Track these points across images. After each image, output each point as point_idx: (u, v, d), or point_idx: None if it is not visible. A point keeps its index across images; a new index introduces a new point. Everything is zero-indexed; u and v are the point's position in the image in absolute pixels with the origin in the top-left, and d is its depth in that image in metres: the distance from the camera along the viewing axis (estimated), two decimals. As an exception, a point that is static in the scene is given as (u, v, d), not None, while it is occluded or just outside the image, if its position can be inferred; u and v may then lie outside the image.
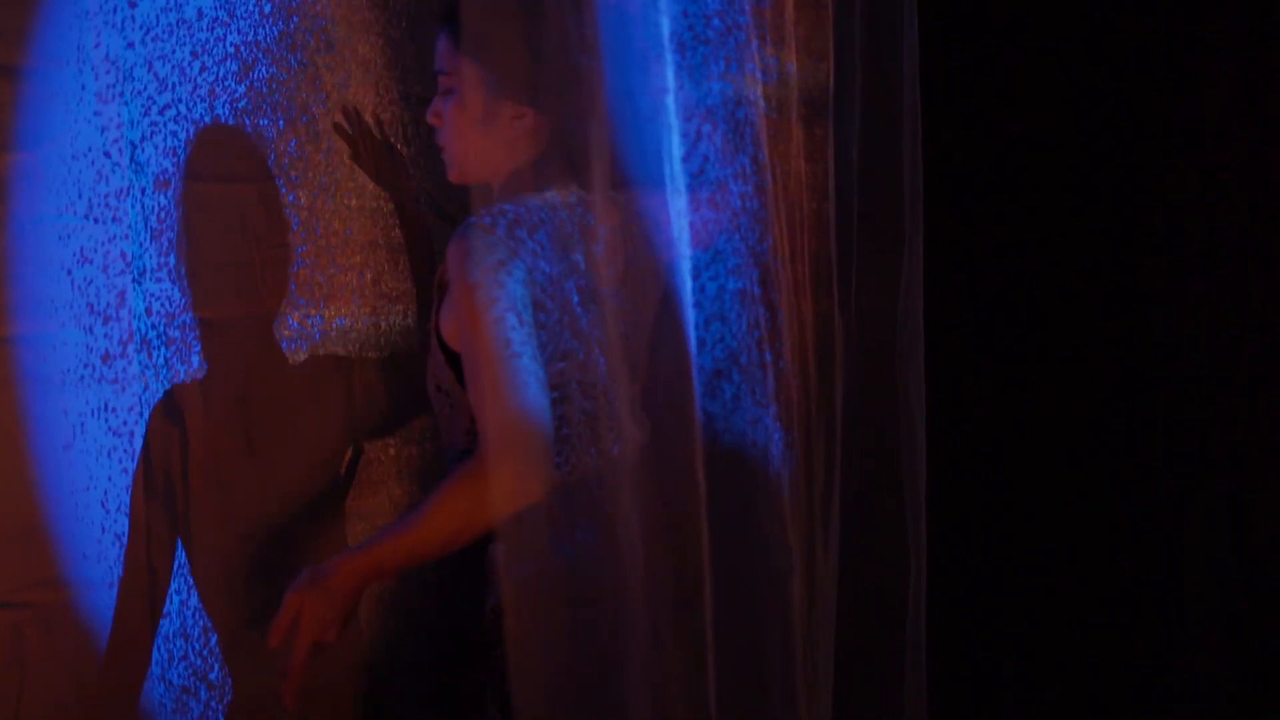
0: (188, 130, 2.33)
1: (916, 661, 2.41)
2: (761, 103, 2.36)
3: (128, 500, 2.22)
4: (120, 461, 2.22)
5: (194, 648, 2.32)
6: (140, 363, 2.25)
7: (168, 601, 2.27)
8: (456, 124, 2.22)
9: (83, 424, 2.17)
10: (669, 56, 2.20)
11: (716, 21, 2.32)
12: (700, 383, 2.30)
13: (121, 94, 2.24)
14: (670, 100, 2.19)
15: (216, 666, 2.35)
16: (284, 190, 2.46)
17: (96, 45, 2.21)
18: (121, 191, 2.24)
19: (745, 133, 2.36)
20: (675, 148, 2.22)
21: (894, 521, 2.45)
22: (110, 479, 2.20)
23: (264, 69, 2.44)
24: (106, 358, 2.21)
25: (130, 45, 2.26)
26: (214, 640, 2.34)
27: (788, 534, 2.34)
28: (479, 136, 2.21)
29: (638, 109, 2.23)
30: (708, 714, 2.12)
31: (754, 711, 2.29)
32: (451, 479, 1.97)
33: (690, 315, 2.28)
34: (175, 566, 2.29)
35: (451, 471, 2.00)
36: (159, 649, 2.26)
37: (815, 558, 2.41)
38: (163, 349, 2.28)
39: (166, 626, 2.27)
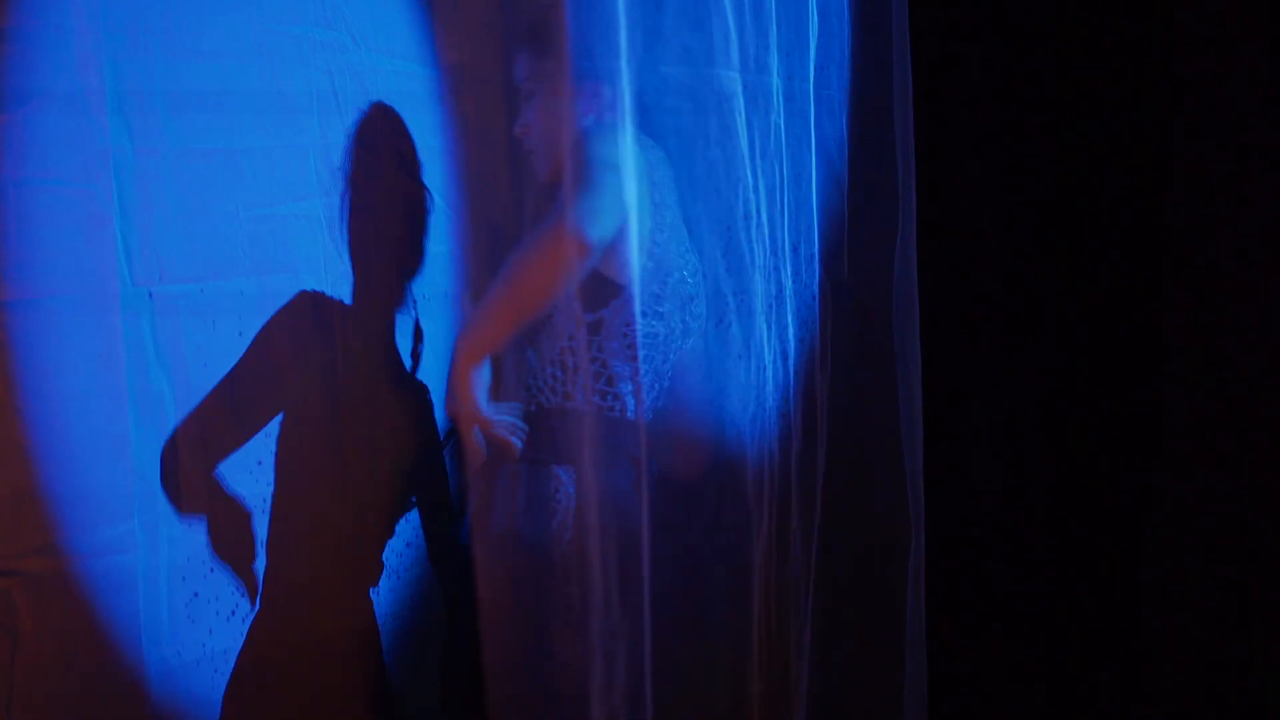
0: (173, 93, 2.29)
1: (916, 627, 2.45)
2: (734, 72, 2.36)
3: (118, 467, 2.20)
4: (111, 428, 2.19)
5: (181, 614, 2.31)
6: (126, 328, 2.23)
7: (156, 570, 2.26)
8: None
9: (72, 390, 2.15)
10: (623, 30, 2.24)
11: None
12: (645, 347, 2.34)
13: (105, 56, 2.20)
14: (624, 64, 2.24)
15: (209, 634, 2.34)
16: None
17: (79, 6, 2.17)
18: (105, 155, 2.21)
19: (711, 101, 2.37)
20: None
21: (893, 489, 2.48)
22: (101, 446, 2.18)
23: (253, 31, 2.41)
24: (94, 323, 2.18)
25: (113, 6, 2.22)
26: (204, 608, 2.33)
27: (748, 500, 2.38)
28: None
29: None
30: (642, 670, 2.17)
31: (699, 666, 2.34)
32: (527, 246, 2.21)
33: (637, 286, 2.31)
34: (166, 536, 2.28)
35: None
36: (149, 617, 2.25)
37: (790, 521, 2.44)
38: (149, 314, 2.26)
39: (155, 594, 2.26)
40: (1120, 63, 2.85)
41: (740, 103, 2.35)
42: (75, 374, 2.16)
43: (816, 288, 2.52)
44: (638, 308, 2.31)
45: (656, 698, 2.14)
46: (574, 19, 2.24)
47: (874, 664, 2.56)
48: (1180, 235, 2.84)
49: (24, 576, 2.07)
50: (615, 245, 2.25)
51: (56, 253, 2.15)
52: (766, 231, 2.43)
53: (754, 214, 2.39)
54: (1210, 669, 2.83)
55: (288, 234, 2.48)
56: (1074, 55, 2.89)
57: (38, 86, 2.13)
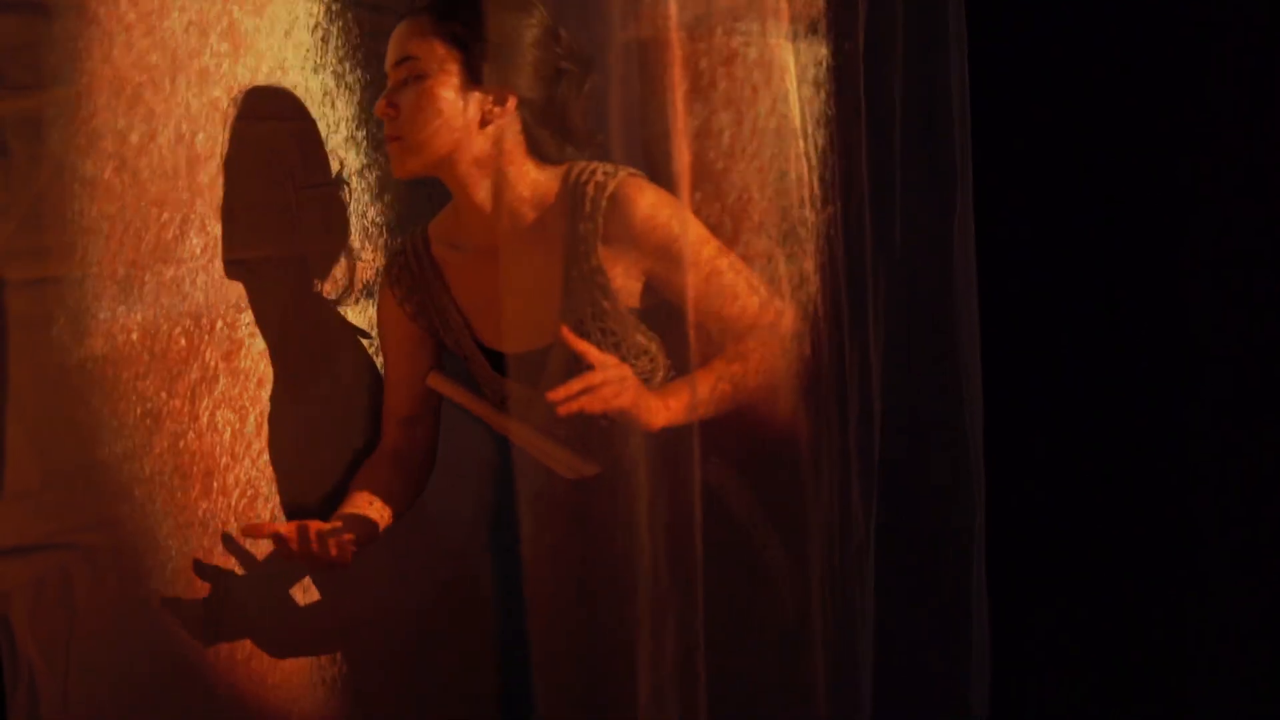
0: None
1: (979, 605, 2.42)
2: (772, 42, 2.34)
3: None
4: (161, 400, 2.19)
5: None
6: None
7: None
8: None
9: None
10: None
11: None
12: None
13: (154, 30, 2.20)
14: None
15: (259, 611, 2.34)
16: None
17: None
18: (156, 130, 2.20)
19: (750, 77, 2.34)
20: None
21: (954, 466, 2.46)
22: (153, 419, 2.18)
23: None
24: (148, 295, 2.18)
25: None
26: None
27: (802, 479, 2.36)
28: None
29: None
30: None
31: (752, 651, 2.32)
32: (732, 357, 2.26)
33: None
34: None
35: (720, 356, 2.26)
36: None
37: (851, 500, 2.42)
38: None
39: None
40: (1167, 51, 2.81)
41: (792, 72, 2.32)
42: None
43: (868, 264, 2.49)
44: None
45: (710, 669, 2.13)
46: None
47: (937, 642, 2.54)
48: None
49: (80, 550, 2.08)
50: None
51: (110, 229, 2.15)
52: (819, 207, 2.41)
53: (807, 186, 2.37)
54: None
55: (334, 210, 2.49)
56: (1123, 44, 2.85)
57: (90, 62, 2.12)
